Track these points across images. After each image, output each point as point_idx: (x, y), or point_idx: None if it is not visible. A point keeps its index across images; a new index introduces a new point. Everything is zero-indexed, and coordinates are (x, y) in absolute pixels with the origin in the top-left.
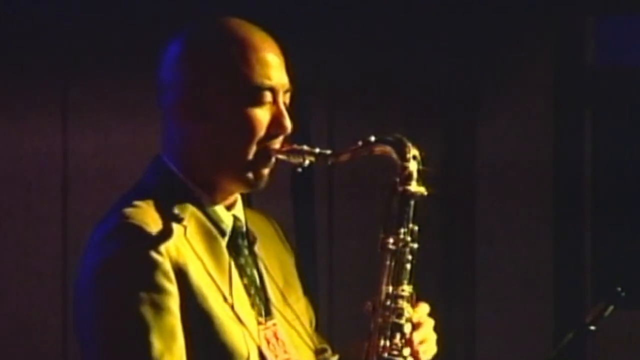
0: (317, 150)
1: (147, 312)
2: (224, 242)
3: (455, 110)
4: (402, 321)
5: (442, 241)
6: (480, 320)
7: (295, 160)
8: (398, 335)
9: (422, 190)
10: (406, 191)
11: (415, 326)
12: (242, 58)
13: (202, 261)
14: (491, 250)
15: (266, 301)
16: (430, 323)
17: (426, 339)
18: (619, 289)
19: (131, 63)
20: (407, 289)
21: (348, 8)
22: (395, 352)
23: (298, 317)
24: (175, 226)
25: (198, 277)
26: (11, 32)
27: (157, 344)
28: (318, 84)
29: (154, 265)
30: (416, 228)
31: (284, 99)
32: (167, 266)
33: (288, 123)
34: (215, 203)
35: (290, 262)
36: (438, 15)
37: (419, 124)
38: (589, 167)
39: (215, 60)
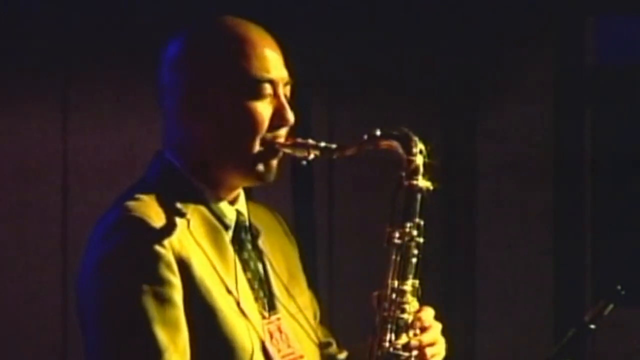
0: (323, 144)
1: (151, 304)
2: (227, 236)
3: (455, 109)
4: (408, 315)
5: (443, 240)
6: (480, 319)
7: (300, 154)
8: (404, 330)
9: (428, 184)
10: (412, 185)
11: (423, 330)
12: (241, 53)
13: (205, 254)
14: (491, 249)
15: (270, 295)
16: (437, 327)
17: (434, 342)
18: (619, 287)
19: (131, 63)
20: (413, 283)
21: (349, 3)
22: (400, 347)
23: (302, 311)
24: (178, 219)
25: (202, 270)
26: (11, 32)
27: (161, 336)
28: (318, 78)
29: (157, 258)
30: (422, 222)
31: (284, 91)
32: (171, 258)
33: (290, 115)
34: (218, 198)
35: (294, 254)
36: (439, 14)
37: (419, 123)
38: (589, 166)
39: (214, 57)
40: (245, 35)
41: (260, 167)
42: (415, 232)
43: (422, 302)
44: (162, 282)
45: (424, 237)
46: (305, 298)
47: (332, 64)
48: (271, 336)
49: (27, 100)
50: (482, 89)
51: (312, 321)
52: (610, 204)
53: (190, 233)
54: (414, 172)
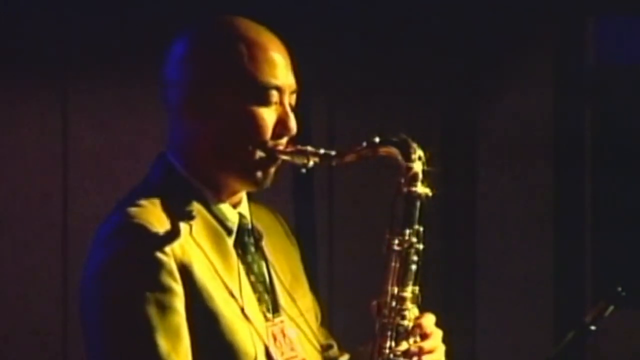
0: (322, 151)
1: (153, 311)
2: (230, 240)
3: (455, 110)
4: (407, 322)
5: (442, 242)
6: (480, 320)
7: (299, 160)
8: (404, 337)
9: (427, 191)
10: (412, 192)
11: (423, 336)
12: (249, 57)
13: (208, 259)
14: (491, 251)
15: (273, 298)
16: (438, 334)
17: (435, 349)
18: (619, 288)
19: (131, 63)
20: (412, 290)
21: (349, 3)
22: (400, 355)
23: (304, 314)
24: (180, 225)
25: (204, 275)
26: (11, 32)
27: (162, 343)
28: (318, 78)
29: (159, 265)
30: (421, 229)
31: (290, 99)
32: (172, 265)
33: (293, 124)
34: (220, 201)
35: (295, 256)
36: (439, 14)
37: (418, 124)
38: (589, 166)
39: (221, 58)
40: (254, 37)
41: (259, 173)
42: (414, 239)
43: (422, 304)
44: (164, 289)
45: (423, 244)
46: (307, 300)
47: (332, 64)
48: (274, 339)
49: (27, 100)
50: (482, 89)
51: (314, 324)
52: (611, 204)
53: (193, 238)
54: (413, 179)
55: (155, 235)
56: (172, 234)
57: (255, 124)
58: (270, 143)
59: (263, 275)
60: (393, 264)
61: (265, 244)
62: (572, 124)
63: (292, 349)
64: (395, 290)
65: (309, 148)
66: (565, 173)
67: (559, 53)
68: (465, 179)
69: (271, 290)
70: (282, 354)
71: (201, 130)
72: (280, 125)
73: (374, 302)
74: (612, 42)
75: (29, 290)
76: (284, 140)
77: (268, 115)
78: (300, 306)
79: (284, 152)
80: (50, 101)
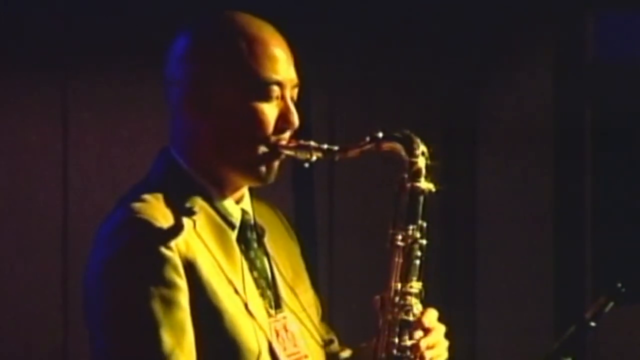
0: (325, 146)
1: (157, 307)
2: (233, 236)
3: (456, 107)
4: (411, 318)
5: (442, 240)
6: (480, 318)
7: (302, 156)
8: (407, 333)
9: (430, 186)
10: (415, 187)
11: (426, 332)
12: (251, 52)
13: (212, 255)
14: (491, 249)
15: (276, 294)
16: (441, 329)
17: (437, 345)
18: (619, 284)
19: (132, 61)
20: (416, 285)
21: (349, 3)
22: (404, 350)
23: (306, 309)
24: (184, 220)
25: (208, 271)
26: (11, 31)
27: (167, 339)
28: (319, 78)
29: (164, 260)
30: (425, 224)
31: (291, 94)
32: (177, 261)
33: (295, 119)
34: (223, 197)
35: (296, 251)
36: (439, 10)
37: (419, 123)
38: (589, 166)
39: (223, 54)
40: (256, 33)
41: (262, 168)
42: (418, 234)
43: (424, 302)
44: (168, 284)
45: (427, 239)
46: (308, 296)
47: (332, 60)
48: (277, 335)
49: (27, 100)
50: (482, 85)
51: (315, 319)
52: (611, 201)
53: (197, 234)
54: (417, 174)
55: (159, 230)
56: (177, 229)
57: (257, 119)
58: (273, 138)
59: (265, 271)
60: (396, 259)
61: (267, 239)
62: (572, 122)
63: (295, 345)
64: (399, 285)
65: (312, 143)
66: (565, 170)
67: (559, 50)
68: (465, 177)
69: (273, 286)
70: (285, 349)
71: (204, 126)
72: (282, 119)
73: (377, 297)
74: (612, 38)
75: (29, 290)
76: (287, 134)
77: (270, 111)
78: (302, 301)
79: (286, 147)
80: (51, 101)
